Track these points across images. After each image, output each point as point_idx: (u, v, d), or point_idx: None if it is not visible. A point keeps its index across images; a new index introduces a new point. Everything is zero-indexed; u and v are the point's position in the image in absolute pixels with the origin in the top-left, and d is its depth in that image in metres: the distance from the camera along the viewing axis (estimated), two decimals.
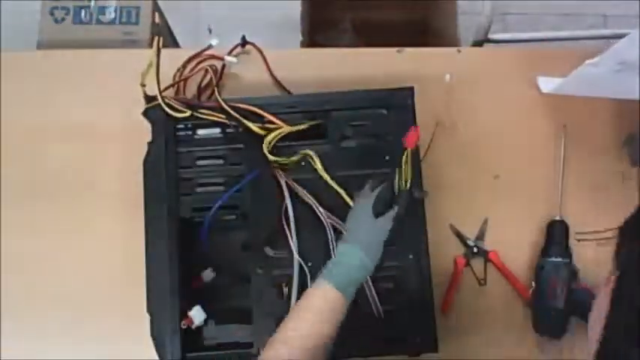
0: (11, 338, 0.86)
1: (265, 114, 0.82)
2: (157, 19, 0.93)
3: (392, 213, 0.73)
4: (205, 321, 0.79)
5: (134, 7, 1.11)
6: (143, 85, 0.82)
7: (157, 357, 0.76)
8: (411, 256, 0.80)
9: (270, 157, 0.80)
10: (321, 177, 0.81)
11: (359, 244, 0.70)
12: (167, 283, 0.77)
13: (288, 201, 0.80)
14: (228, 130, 0.83)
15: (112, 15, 1.10)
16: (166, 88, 0.86)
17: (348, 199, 0.79)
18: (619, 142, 0.92)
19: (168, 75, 0.86)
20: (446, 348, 0.80)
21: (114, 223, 0.89)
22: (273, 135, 0.80)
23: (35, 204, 0.90)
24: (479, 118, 0.93)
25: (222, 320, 0.80)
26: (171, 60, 0.86)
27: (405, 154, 0.75)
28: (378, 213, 0.73)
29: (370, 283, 0.78)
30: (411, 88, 0.84)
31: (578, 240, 0.88)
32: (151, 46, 1.08)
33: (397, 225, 0.73)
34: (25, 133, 0.93)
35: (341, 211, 0.80)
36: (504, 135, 0.93)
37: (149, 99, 0.83)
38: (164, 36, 0.84)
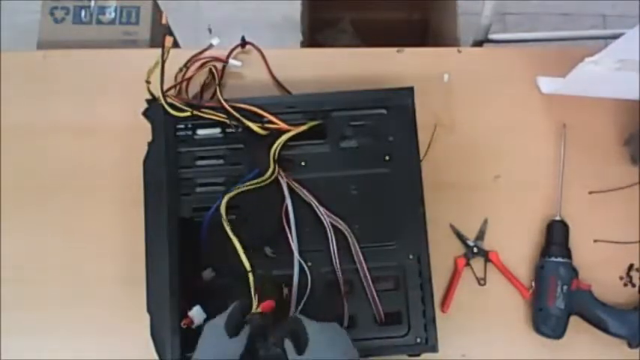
0: (11, 338, 0.86)
1: (265, 114, 0.82)
2: (164, 20, 0.94)
3: (246, 330, 0.67)
4: (205, 321, 0.79)
5: (134, 7, 1.11)
6: (148, 82, 0.83)
7: (156, 357, 0.76)
8: (411, 256, 0.80)
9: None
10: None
11: None
12: (167, 283, 0.77)
13: (288, 201, 0.80)
14: (229, 130, 0.84)
15: (112, 15, 1.10)
16: (169, 89, 0.86)
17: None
18: (619, 142, 0.92)
19: (168, 74, 0.86)
20: (446, 348, 0.80)
21: (114, 223, 0.89)
22: (279, 141, 0.81)
23: (35, 204, 0.90)
24: (479, 118, 0.93)
25: None
26: (172, 60, 0.86)
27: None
28: (230, 333, 0.67)
29: (370, 283, 0.79)
30: (411, 88, 0.84)
31: (595, 241, 0.89)
32: (151, 46, 1.08)
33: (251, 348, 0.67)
34: (25, 133, 0.93)
35: (342, 211, 0.80)
36: (504, 135, 0.93)
37: (150, 100, 0.84)
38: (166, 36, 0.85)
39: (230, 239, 0.77)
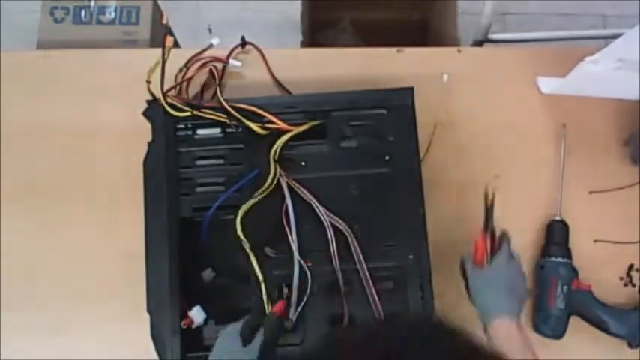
0: (11, 337, 0.86)
1: (265, 114, 0.82)
2: (165, 20, 0.94)
3: (259, 338, 0.69)
4: (205, 321, 0.79)
5: (134, 7, 1.11)
6: (148, 82, 0.83)
7: (156, 357, 0.76)
8: (411, 256, 0.80)
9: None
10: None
11: None
12: (167, 283, 0.77)
13: (288, 201, 0.80)
14: (229, 130, 0.84)
15: (112, 15, 1.11)
16: (170, 89, 0.86)
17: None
18: (619, 142, 0.92)
19: (168, 74, 0.86)
20: None
21: (114, 223, 0.89)
22: (279, 142, 0.81)
23: (35, 204, 0.90)
24: (478, 118, 0.93)
25: (222, 320, 0.80)
26: (172, 60, 0.86)
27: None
28: (245, 339, 0.69)
29: (370, 283, 0.79)
30: (411, 88, 0.84)
31: (595, 241, 0.89)
32: (151, 46, 1.08)
33: (266, 349, 0.69)
34: (25, 133, 0.93)
35: (342, 210, 0.80)
36: (504, 135, 0.93)
37: (151, 100, 0.84)
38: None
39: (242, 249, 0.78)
